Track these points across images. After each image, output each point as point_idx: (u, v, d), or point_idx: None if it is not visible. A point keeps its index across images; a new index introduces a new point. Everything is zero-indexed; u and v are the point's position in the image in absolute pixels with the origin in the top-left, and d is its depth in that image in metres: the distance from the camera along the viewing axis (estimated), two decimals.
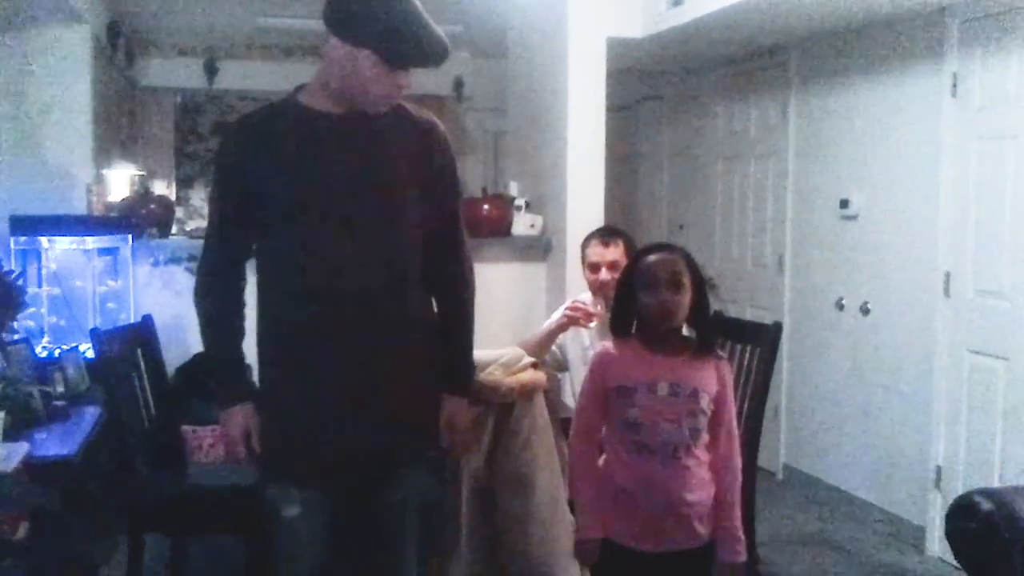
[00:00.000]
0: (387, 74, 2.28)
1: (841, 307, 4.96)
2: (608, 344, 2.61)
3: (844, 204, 4.89)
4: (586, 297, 3.78)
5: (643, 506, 2.49)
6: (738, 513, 2.55)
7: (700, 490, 2.50)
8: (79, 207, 4.84)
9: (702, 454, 2.51)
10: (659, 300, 2.48)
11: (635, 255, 2.64)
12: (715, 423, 2.53)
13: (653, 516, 2.49)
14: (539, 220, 5.28)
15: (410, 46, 2.26)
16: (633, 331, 2.58)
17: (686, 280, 2.49)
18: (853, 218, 4.87)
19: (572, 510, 3.14)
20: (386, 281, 2.37)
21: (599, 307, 3.67)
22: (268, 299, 2.42)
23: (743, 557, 2.54)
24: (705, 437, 2.51)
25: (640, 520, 2.50)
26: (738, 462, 2.56)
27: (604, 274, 3.70)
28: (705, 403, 2.47)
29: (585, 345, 3.79)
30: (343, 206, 2.33)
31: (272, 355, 2.44)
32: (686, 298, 2.49)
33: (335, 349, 2.35)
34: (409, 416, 2.44)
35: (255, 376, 2.54)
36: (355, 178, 2.34)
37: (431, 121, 2.47)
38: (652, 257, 2.54)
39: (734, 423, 2.59)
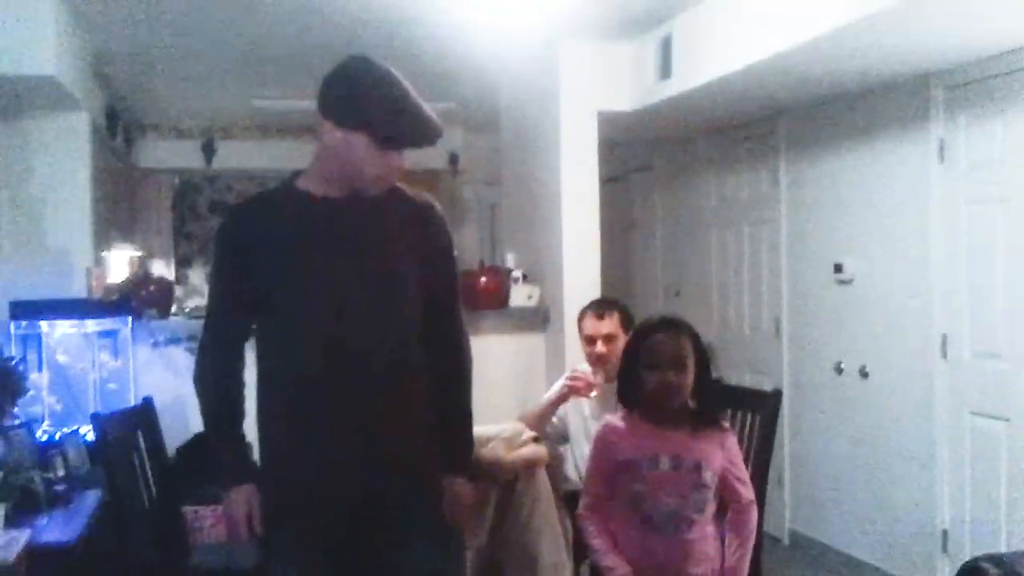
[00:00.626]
0: (381, 156, 2.30)
1: (840, 371, 4.97)
2: (611, 418, 2.63)
3: (838, 268, 4.93)
4: (585, 367, 3.80)
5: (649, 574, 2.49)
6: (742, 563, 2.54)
7: (703, 563, 2.49)
8: (79, 290, 4.85)
9: (706, 527, 2.51)
10: (663, 380, 2.50)
11: (639, 330, 2.66)
12: (728, 492, 2.53)
13: None
14: (536, 291, 5.31)
15: (403, 128, 2.29)
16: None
17: (690, 360, 2.51)
18: (848, 282, 4.90)
19: None
20: (386, 362, 2.37)
21: (599, 377, 3.68)
22: (267, 378, 2.42)
23: None
24: (711, 509, 2.51)
25: None
26: (752, 527, 2.56)
27: (600, 347, 3.72)
28: (708, 476, 2.47)
29: (585, 415, 3.79)
30: (342, 290, 2.34)
31: (271, 436, 2.43)
32: (689, 377, 2.51)
33: (337, 428, 2.35)
34: (412, 493, 2.42)
35: (255, 455, 2.53)
36: (354, 262, 2.35)
37: (428, 202, 2.50)
38: (657, 336, 2.55)
39: (748, 489, 2.59)
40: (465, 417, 2.57)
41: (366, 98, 2.27)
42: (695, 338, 2.57)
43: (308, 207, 2.37)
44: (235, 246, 2.41)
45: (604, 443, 2.59)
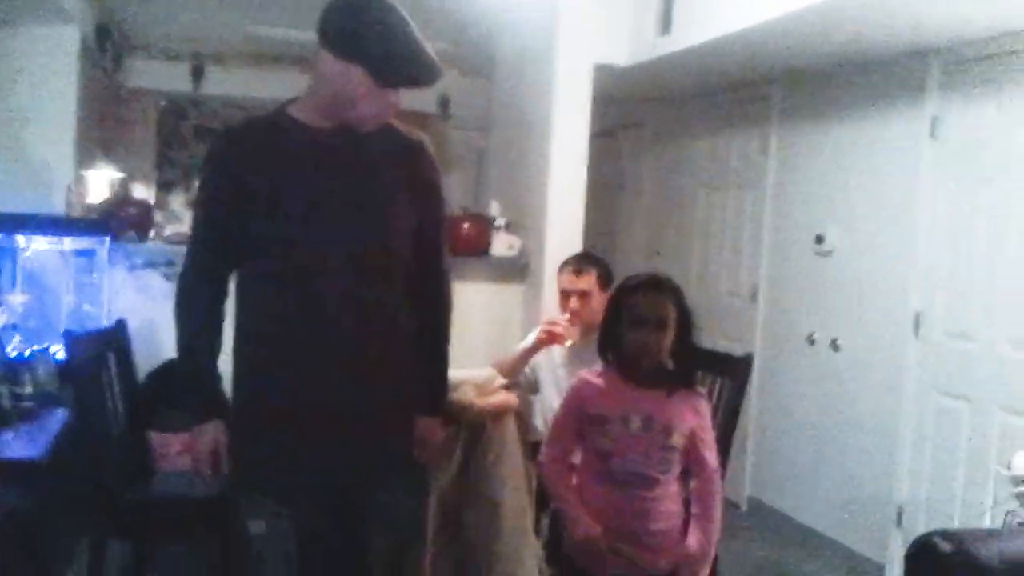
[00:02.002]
0: (379, 93, 2.28)
1: (812, 342, 5.00)
2: (587, 374, 2.63)
3: (820, 240, 4.94)
4: (562, 318, 3.80)
5: (608, 533, 2.51)
6: (709, 537, 2.55)
7: (664, 521, 2.52)
8: (58, 207, 4.81)
9: (671, 487, 2.52)
10: (641, 340, 2.50)
11: (622, 286, 2.64)
12: (694, 458, 2.55)
13: (618, 542, 2.51)
14: (518, 241, 5.29)
15: (404, 67, 2.26)
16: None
17: (671, 321, 2.51)
18: (828, 254, 4.92)
19: (537, 533, 3.17)
20: (377, 297, 2.36)
21: (574, 329, 3.69)
22: (250, 312, 2.39)
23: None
24: (676, 470, 2.53)
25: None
26: (717, 497, 2.57)
27: (573, 303, 3.72)
28: (676, 439, 2.49)
29: (557, 367, 3.81)
30: (332, 222, 2.31)
31: (250, 368, 2.41)
32: (669, 338, 2.51)
33: (319, 364, 2.33)
34: (388, 433, 2.43)
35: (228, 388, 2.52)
36: (344, 194, 2.33)
37: (420, 141, 2.48)
38: (639, 295, 2.55)
39: (714, 455, 2.60)
40: (442, 359, 2.58)
41: (367, 32, 2.22)
42: (679, 299, 2.55)
43: (300, 136, 2.34)
44: (225, 172, 2.36)
45: (577, 396, 2.60)
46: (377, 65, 2.24)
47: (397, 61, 2.25)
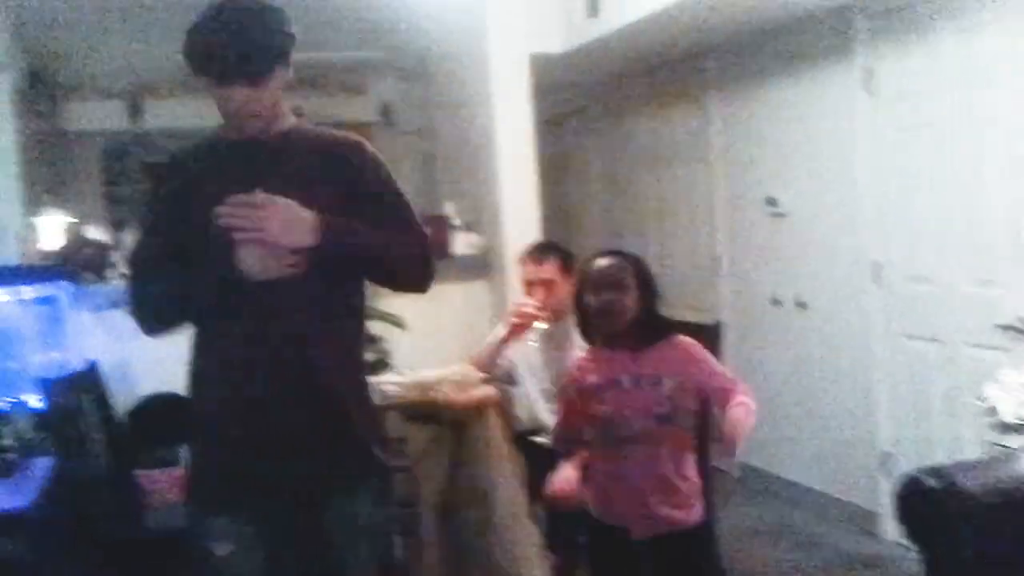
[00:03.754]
0: (222, 93, 2.16)
1: (778, 303, 5.07)
2: (578, 355, 2.69)
3: (772, 202, 5.01)
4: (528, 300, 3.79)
5: (627, 494, 2.58)
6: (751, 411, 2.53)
7: (682, 481, 2.60)
8: (11, 258, 4.76)
9: (676, 436, 2.58)
10: (603, 300, 2.57)
11: (584, 262, 2.73)
12: (712, 394, 2.58)
13: (637, 503, 2.57)
14: (477, 239, 5.32)
15: (214, 59, 2.12)
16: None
17: (630, 281, 2.59)
18: (782, 216, 4.99)
19: (533, 520, 3.20)
20: (291, 319, 2.22)
21: (544, 312, 3.70)
22: (196, 336, 2.31)
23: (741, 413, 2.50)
24: (685, 423, 2.59)
25: (627, 508, 2.59)
26: (747, 395, 2.55)
27: (539, 293, 3.72)
28: (668, 387, 2.54)
29: (530, 354, 3.82)
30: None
31: (199, 390, 2.32)
32: (629, 298, 2.58)
33: (259, 389, 2.22)
34: (343, 441, 2.29)
35: None
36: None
37: (356, 143, 2.32)
38: (597, 261, 2.65)
39: (728, 376, 2.61)
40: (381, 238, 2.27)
41: (190, 40, 2.14)
42: (637, 263, 2.65)
43: (216, 153, 2.27)
44: (161, 199, 2.32)
45: (573, 376, 2.67)
46: (201, 66, 2.13)
47: (211, 56, 2.11)
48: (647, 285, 2.63)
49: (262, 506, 2.27)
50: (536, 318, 3.66)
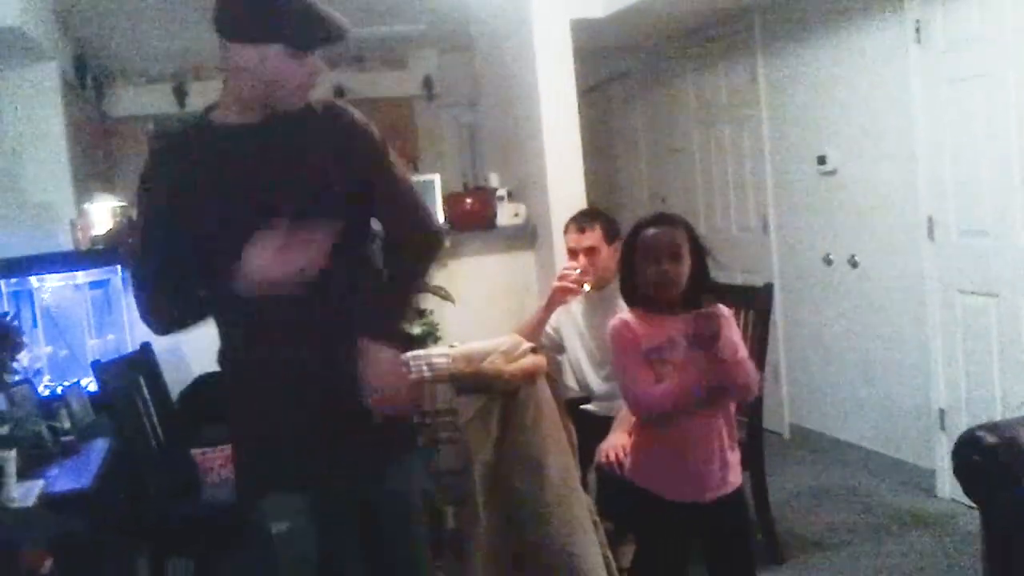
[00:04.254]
0: (299, 63, 2.15)
1: (829, 262, 5.00)
2: (621, 316, 2.66)
3: (822, 161, 4.93)
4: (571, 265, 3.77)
5: (683, 459, 2.58)
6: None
7: (730, 439, 2.62)
8: (64, 243, 4.84)
9: (725, 399, 2.60)
10: (660, 271, 2.56)
11: (635, 227, 2.69)
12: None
13: (693, 467, 2.58)
14: (522, 208, 5.31)
15: (315, 25, 2.13)
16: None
17: (684, 250, 2.58)
18: (832, 173, 4.91)
19: (585, 488, 3.20)
20: (316, 294, 2.20)
21: (588, 276, 3.68)
22: (217, 323, 2.32)
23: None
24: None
25: (680, 472, 2.59)
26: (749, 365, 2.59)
27: (582, 260, 3.71)
28: (723, 350, 2.50)
29: (577, 319, 3.82)
30: (263, 221, 2.15)
31: (234, 380, 2.35)
32: (685, 267, 2.58)
33: (284, 373, 2.23)
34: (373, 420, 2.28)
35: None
36: (274, 191, 2.19)
37: (338, 111, 2.29)
38: (652, 230, 2.62)
39: (740, 348, 2.61)
40: (408, 279, 2.40)
41: (272, 5, 2.12)
42: (689, 230, 2.63)
43: (224, 142, 2.22)
44: (152, 199, 2.26)
45: (623, 337, 2.61)
46: (292, 32, 2.11)
47: (308, 22, 2.12)
48: (699, 253, 2.63)
49: (310, 483, 2.29)
50: (581, 283, 3.65)
